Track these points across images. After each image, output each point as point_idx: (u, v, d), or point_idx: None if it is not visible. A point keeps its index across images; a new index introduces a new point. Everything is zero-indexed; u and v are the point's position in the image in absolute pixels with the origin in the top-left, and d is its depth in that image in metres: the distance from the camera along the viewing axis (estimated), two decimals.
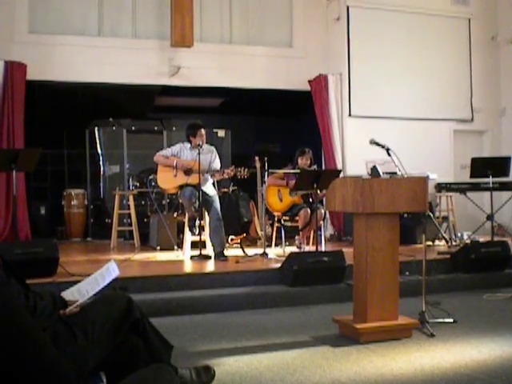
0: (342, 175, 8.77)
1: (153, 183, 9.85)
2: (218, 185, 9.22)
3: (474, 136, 12.66)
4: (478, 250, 7.79)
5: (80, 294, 3.28)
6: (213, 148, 8.49)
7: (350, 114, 11.52)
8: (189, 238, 8.55)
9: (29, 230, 9.81)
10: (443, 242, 9.65)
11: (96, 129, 11.66)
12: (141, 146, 11.45)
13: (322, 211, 8.63)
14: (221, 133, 12.35)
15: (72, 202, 11.20)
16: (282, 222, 8.86)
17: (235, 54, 11.32)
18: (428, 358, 4.54)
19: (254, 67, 11.43)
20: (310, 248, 8.73)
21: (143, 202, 10.71)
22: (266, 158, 9.18)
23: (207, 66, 11.07)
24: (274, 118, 13.71)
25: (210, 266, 7.67)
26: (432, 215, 6.45)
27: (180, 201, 8.78)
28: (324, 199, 8.33)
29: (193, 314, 6.11)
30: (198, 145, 8.02)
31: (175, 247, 9.00)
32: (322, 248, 8.54)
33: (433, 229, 8.82)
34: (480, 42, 12.45)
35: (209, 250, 8.32)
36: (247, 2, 11.60)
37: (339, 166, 10.99)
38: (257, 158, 9.39)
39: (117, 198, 9.91)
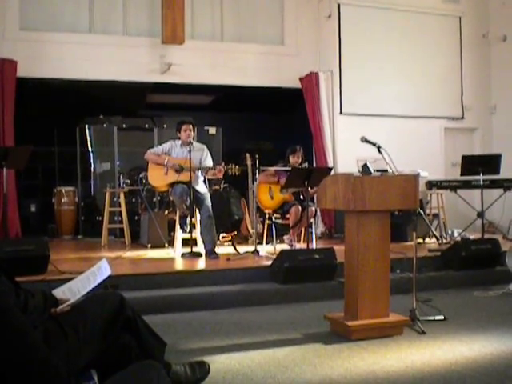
0: (333, 173, 8.77)
1: (143, 181, 9.85)
2: (209, 182, 9.20)
3: (464, 134, 12.69)
4: (468, 248, 7.82)
5: (71, 292, 3.27)
6: (204, 146, 8.50)
7: (340, 112, 11.53)
8: (180, 235, 8.54)
9: (19, 228, 9.77)
10: (434, 240, 9.68)
11: (87, 126, 11.62)
12: (131, 144, 11.42)
13: (313, 208, 8.64)
14: (212, 130, 12.34)
15: (63, 200, 11.15)
16: (273, 219, 8.87)
17: (226, 52, 11.31)
18: (419, 355, 4.55)
19: (246, 65, 11.42)
20: (301, 245, 8.74)
21: (134, 200, 10.69)
22: (257, 156, 9.19)
23: (198, 64, 11.07)
24: (265, 116, 13.71)
25: (201, 264, 7.66)
26: (423, 213, 6.45)
27: (171, 198, 8.77)
28: (315, 196, 8.35)
29: (184, 312, 6.10)
30: (189, 142, 8.03)
31: (166, 245, 9.00)
32: (313, 245, 8.54)
33: (423, 226, 8.84)
34: (471, 39, 12.49)
35: (200, 248, 8.32)
36: None
37: (330, 164, 11.00)
38: (248, 156, 9.39)
39: (107, 195, 9.89)
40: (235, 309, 6.29)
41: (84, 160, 11.81)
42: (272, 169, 8.88)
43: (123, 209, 9.84)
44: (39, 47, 10.17)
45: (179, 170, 8.12)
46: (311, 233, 8.67)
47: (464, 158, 9.46)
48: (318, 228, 10.92)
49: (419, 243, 9.11)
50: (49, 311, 3.03)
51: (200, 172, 8.26)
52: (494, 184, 9.85)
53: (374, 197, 5.02)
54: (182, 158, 8.15)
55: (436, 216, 10.59)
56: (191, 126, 8.31)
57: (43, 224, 11.48)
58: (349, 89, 11.54)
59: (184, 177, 8.04)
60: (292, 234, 8.73)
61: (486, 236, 9.11)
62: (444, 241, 9.59)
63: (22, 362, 2.46)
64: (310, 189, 7.84)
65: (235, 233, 9.84)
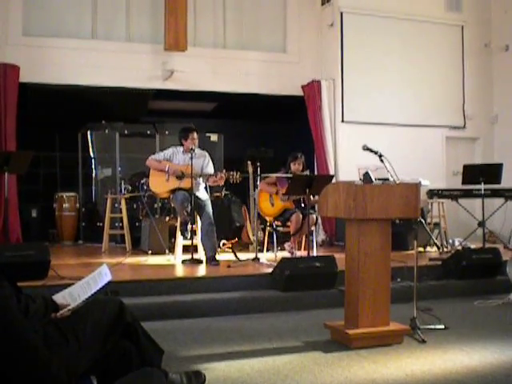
0: (334, 181, 8.77)
1: (145, 187, 9.84)
2: (211, 189, 9.20)
3: (466, 143, 12.70)
4: (469, 257, 7.80)
5: (72, 297, 3.27)
6: (205, 153, 8.50)
7: (342, 120, 11.53)
8: (180, 242, 8.53)
9: (20, 233, 9.77)
10: (435, 249, 9.66)
11: (89, 132, 11.63)
12: (133, 150, 11.43)
13: (314, 216, 8.64)
14: (213, 137, 12.35)
15: (64, 205, 11.16)
16: (274, 226, 8.86)
17: (229, 59, 11.34)
18: (419, 364, 4.54)
19: (248, 72, 11.44)
20: (302, 253, 8.73)
21: (135, 206, 10.68)
22: (258, 163, 9.19)
23: (201, 71, 11.09)
24: (266, 123, 13.70)
25: (202, 271, 7.66)
26: (424, 222, 6.45)
27: (172, 205, 8.77)
28: (316, 204, 8.34)
29: (184, 319, 6.09)
30: (191, 149, 8.02)
31: (167, 251, 8.98)
32: (314, 253, 8.54)
33: (424, 235, 8.83)
34: (473, 48, 12.50)
35: (200, 255, 8.31)
36: (241, 7, 11.63)
37: (331, 172, 11.00)
38: (249, 163, 9.39)
39: (109, 201, 9.90)
40: (235, 316, 6.28)
41: (85, 166, 11.82)
42: (273, 175, 8.89)
43: (124, 215, 9.84)
44: (42, 53, 10.19)
45: (181, 176, 8.12)
46: (312, 240, 8.67)
47: (465, 167, 9.46)
48: (319, 236, 10.92)
49: (420, 252, 9.10)
50: (49, 316, 3.03)
51: (201, 179, 8.26)
52: (495, 193, 9.83)
53: (375, 205, 5.02)
54: (184, 164, 8.15)
55: (437, 225, 10.58)
56: (195, 134, 8.32)
57: (44, 229, 11.47)
58: (351, 97, 11.55)
59: (185, 183, 8.04)
60: (293, 241, 8.73)
61: (487, 245, 9.09)
62: (445, 250, 9.57)
63: (22, 364, 2.46)
64: (311, 197, 7.85)
65: (236, 240, 9.84)
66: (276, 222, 8.83)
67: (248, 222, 9.84)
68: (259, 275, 7.36)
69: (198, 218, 8.29)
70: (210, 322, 6.05)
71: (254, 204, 9.21)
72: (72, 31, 10.57)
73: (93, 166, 11.71)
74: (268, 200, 8.79)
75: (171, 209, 9.54)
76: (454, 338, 5.37)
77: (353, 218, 5.07)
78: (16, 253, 6.49)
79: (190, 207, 8.04)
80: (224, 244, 9.71)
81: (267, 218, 8.92)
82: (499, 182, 9.25)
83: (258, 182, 8.89)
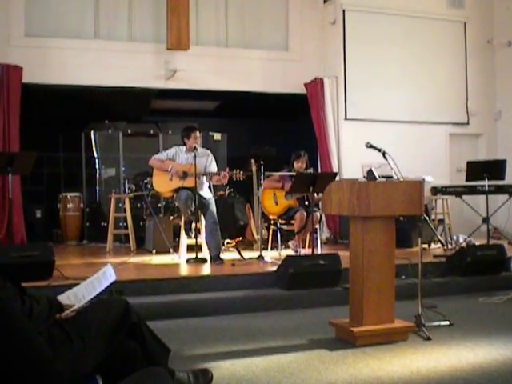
0: (337, 178, 8.77)
1: (148, 186, 9.84)
2: (214, 188, 9.20)
3: (469, 139, 12.68)
4: (473, 253, 7.79)
5: (76, 297, 3.27)
6: (208, 152, 8.51)
7: (345, 117, 11.53)
8: (185, 241, 8.54)
9: (24, 234, 9.79)
10: (439, 246, 9.66)
11: (92, 132, 11.64)
12: (137, 149, 11.44)
13: (318, 214, 8.64)
14: (217, 136, 12.35)
15: (68, 205, 11.16)
16: (278, 225, 8.87)
17: (231, 57, 11.35)
18: (424, 361, 4.53)
19: (250, 70, 11.45)
20: (306, 251, 8.73)
21: (139, 205, 10.69)
22: (261, 161, 9.19)
23: (203, 69, 11.09)
24: (270, 121, 13.71)
25: (206, 269, 7.66)
26: (428, 218, 6.45)
27: (176, 204, 8.77)
28: (320, 202, 8.34)
29: (189, 318, 6.09)
30: (194, 148, 8.02)
31: (171, 250, 8.98)
32: (318, 251, 8.54)
33: (429, 232, 8.83)
34: (476, 45, 12.49)
35: (205, 253, 8.31)
36: (243, 5, 11.63)
37: (335, 169, 11.00)
38: (253, 161, 9.39)
39: (112, 201, 9.90)
40: (240, 315, 6.28)
41: (89, 165, 11.82)
42: (277, 174, 8.90)
43: (128, 214, 9.84)
44: (44, 53, 10.21)
45: (183, 177, 8.13)
46: (316, 238, 8.67)
47: (469, 163, 9.45)
48: (323, 233, 10.92)
49: (424, 249, 9.10)
50: (54, 317, 3.03)
51: (205, 178, 8.26)
52: (499, 190, 9.81)
53: (379, 202, 5.02)
54: (187, 163, 8.15)
55: (441, 222, 10.57)
56: (198, 133, 8.33)
57: (48, 229, 11.49)
58: (354, 94, 11.54)
59: (189, 182, 8.04)
60: (297, 239, 8.73)
61: (492, 242, 9.09)
62: (449, 246, 9.58)
63: (26, 366, 2.46)
64: (315, 195, 7.85)
65: (240, 238, 9.84)
66: (280, 221, 8.84)
67: (252, 220, 9.84)
68: (263, 273, 7.36)
69: (202, 216, 8.29)
70: (214, 320, 6.05)
71: (258, 202, 9.21)
72: (74, 31, 10.58)
73: (96, 166, 11.71)
74: (272, 198, 8.80)
75: (175, 208, 9.54)
76: (459, 334, 5.37)
77: (357, 215, 5.07)
78: (20, 253, 6.48)
79: (193, 206, 8.05)
80: (228, 243, 9.71)
81: (271, 217, 8.92)
82: (503, 178, 9.24)
83: (262, 181, 8.89)
